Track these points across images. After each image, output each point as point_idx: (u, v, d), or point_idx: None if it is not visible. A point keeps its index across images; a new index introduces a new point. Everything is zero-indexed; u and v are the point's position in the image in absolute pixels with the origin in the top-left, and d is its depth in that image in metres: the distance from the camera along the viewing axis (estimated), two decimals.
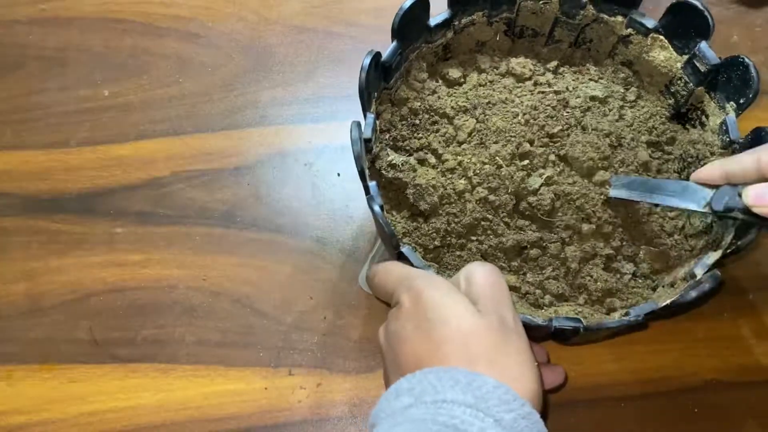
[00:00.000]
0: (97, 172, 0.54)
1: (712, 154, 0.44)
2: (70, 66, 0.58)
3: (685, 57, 0.44)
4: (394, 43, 0.42)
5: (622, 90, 0.47)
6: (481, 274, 0.35)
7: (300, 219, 0.52)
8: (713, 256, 0.39)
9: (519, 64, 0.47)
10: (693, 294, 0.36)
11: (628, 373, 0.47)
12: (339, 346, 0.48)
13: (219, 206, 0.52)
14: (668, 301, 0.37)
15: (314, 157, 0.54)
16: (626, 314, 0.38)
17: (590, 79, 0.47)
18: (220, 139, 0.55)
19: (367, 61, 0.39)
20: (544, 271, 0.43)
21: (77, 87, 0.57)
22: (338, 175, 0.53)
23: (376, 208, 0.37)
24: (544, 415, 0.31)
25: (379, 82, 0.43)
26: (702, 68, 0.43)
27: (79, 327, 0.49)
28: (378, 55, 0.40)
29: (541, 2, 0.46)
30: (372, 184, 0.38)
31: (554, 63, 0.48)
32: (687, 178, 0.45)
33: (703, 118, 0.45)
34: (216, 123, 0.55)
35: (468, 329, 0.32)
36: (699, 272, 0.39)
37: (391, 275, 0.37)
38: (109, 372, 0.47)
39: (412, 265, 0.37)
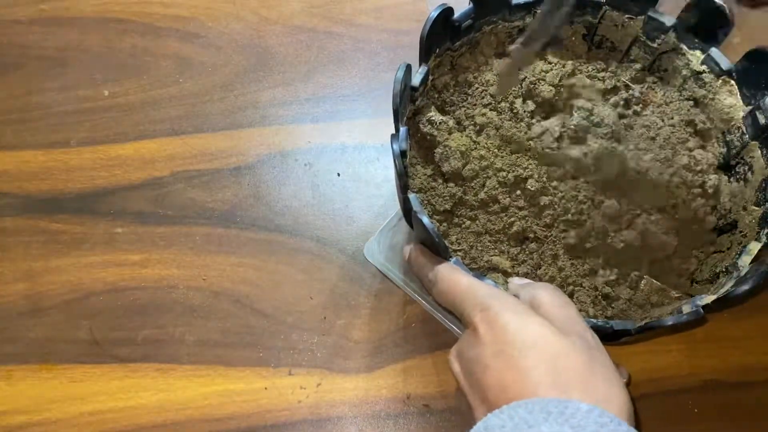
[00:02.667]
0: (97, 172, 0.54)
1: (744, 209, 0.43)
2: (70, 66, 0.58)
3: (749, 107, 0.43)
4: (470, 5, 0.42)
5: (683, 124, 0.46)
6: (546, 295, 0.34)
7: (300, 219, 0.52)
8: (706, 299, 0.38)
9: (586, 68, 0.46)
10: (669, 321, 0.35)
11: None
12: (339, 346, 0.48)
13: (219, 206, 0.52)
14: (643, 323, 0.36)
15: (314, 157, 0.54)
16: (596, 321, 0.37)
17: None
18: (220, 139, 0.55)
19: (435, 14, 0.38)
20: (537, 271, 0.43)
21: (77, 87, 0.57)
22: (338, 175, 0.53)
23: (395, 146, 0.37)
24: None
25: (444, 40, 0.42)
26: (762, 120, 0.41)
27: (79, 327, 0.49)
28: (449, 10, 0.40)
29: (626, 16, 0.45)
30: (403, 128, 0.38)
31: (623, 80, 0.47)
32: (721, 229, 0.44)
33: (749, 174, 0.43)
34: (216, 123, 0.55)
35: (556, 353, 0.30)
36: (686, 309, 0.38)
37: (455, 286, 0.35)
38: (109, 372, 0.47)
39: (412, 210, 0.36)
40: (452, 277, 0.36)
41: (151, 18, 0.60)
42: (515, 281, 0.39)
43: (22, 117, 0.56)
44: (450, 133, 0.44)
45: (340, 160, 0.54)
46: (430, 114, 0.43)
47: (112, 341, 0.48)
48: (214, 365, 0.48)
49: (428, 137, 0.44)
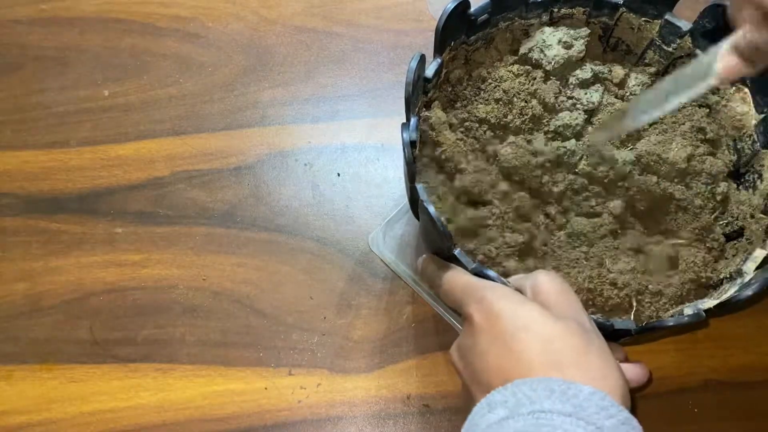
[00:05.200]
0: (97, 172, 0.54)
1: (752, 216, 0.42)
2: (70, 66, 0.58)
3: (762, 116, 0.43)
4: (487, 0, 0.41)
5: (694, 131, 0.46)
6: (546, 282, 0.34)
7: (300, 219, 0.52)
8: (708, 303, 0.38)
9: (601, 69, 0.46)
10: (669, 322, 0.35)
11: None
12: (339, 346, 0.48)
13: (219, 206, 0.52)
14: (644, 323, 0.36)
15: (314, 157, 0.54)
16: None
17: None
18: (220, 139, 0.55)
19: (451, 6, 0.38)
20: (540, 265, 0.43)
21: (77, 87, 0.57)
22: (338, 175, 0.53)
23: (405, 136, 0.37)
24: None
25: (460, 33, 0.42)
26: None
27: (79, 327, 0.49)
28: (465, 3, 0.40)
29: (642, 19, 0.44)
30: (414, 119, 0.38)
31: (638, 83, 0.46)
32: (728, 236, 0.44)
33: (758, 182, 0.43)
34: (216, 123, 0.55)
35: (549, 334, 0.31)
36: (688, 311, 0.38)
37: (456, 285, 0.37)
38: (109, 372, 0.47)
39: (419, 200, 0.36)
40: (454, 276, 0.38)
41: (151, 18, 0.60)
42: (516, 277, 0.39)
43: (22, 117, 0.56)
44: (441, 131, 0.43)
45: (340, 160, 0.54)
46: (434, 112, 0.43)
47: (112, 341, 0.48)
48: (214, 365, 0.48)
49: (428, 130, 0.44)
